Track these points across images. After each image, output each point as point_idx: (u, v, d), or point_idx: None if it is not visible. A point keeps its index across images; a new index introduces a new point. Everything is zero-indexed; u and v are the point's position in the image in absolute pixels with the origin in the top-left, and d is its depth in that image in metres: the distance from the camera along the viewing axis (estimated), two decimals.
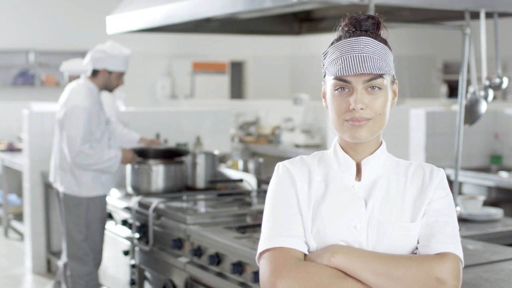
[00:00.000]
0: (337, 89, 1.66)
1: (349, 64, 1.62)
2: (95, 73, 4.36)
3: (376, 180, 1.71)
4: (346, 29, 1.70)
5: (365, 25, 1.69)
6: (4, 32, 10.84)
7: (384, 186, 1.70)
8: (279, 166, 1.76)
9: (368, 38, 1.65)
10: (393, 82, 1.72)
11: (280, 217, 1.68)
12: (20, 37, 10.92)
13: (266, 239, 1.67)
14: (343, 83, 1.65)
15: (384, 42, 1.69)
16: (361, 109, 1.63)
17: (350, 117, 1.64)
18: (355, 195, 1.69)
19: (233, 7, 3.24)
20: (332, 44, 1.70)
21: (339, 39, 1.69)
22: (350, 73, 1.62)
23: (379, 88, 1.65)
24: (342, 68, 1.63)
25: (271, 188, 1.75)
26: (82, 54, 11.41)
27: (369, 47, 1.64)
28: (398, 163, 1.76)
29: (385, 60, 1.65)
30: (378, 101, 1.65)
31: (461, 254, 1.65)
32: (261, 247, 1.67)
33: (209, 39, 11.52)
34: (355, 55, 1.63)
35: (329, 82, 1.68)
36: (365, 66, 1.61)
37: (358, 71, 1.61)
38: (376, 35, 1.69)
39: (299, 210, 1.69)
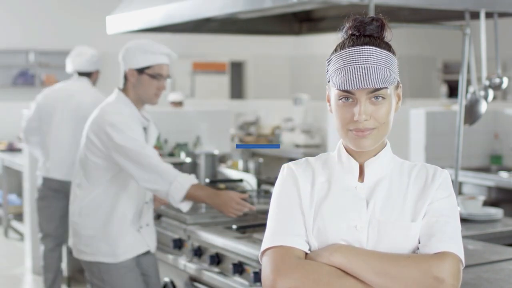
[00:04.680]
0: (341, 99, 1.67)
1: (353, 77, 1.62)
2: (88, 74, 4.94)
3: (378, 181, 1.72)
4: (350, 32, 1.69)
5: (369, 29, 1.68)
6: (4, 32, 10.84)
7: (386, 187, 1.72)
8: (284, 168, 1.79)
9: (371, 47, 1.65)
10: (397, 87, 1.72)
11: (283, 217, 1.71)
12: (20, 37, 10.92)
13: (269, 237, 1.71)
14: (346, 93, 1.65)
15: (388, 47, 1.69)
16: (365, 120, 1.64)
17: (354, 127, 1.66)
18: (357, 196, 1.71)
19: (233, 7, 3.25)
20: (335, 50, 1.70)
21: (342, 45, 1.69)
22: (353, 88, 1.62)
23: (383, 98, 1.66)
24: (346, 81, 1.63)
25: (275, 188, 1.78)
26: None
27: (372, 57, 1.64)
28: (403, 164, 1.77)
29: (389, 69, 1.65)
30: (382, 111, 1.66)
31: (461, 254, 1.65)
32: (263, 245, 1.71)
33: (209, 39, 11.52)
34: (359, 67, 1.62)
35: (333, 91, 1.69)
36: (369, 80, 1.61)
37: (362, 86, 1.61)
38: (380, 41, 1.68)
39: (301, 210, 1.71)
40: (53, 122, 4.80)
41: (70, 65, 4.99)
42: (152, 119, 3.32)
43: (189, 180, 3.08)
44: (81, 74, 4.96)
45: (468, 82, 3.47)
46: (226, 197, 3.10)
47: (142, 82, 3.20)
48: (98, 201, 3.17)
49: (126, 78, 3.24)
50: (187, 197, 3.07)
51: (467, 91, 3.49)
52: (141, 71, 3.20)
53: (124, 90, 3.24)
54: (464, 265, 1.67)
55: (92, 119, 3.20)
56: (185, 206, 3.11)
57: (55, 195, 4.83)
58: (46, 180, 4.85)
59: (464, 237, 1.73)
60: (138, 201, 3.26)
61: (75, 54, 4.99)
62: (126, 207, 3.20)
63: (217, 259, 3.05)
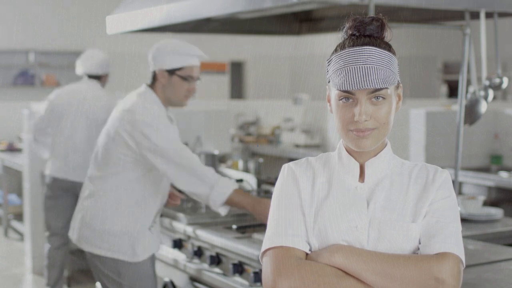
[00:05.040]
0: (341, 99, 1.67)
1: (353, 77, 1.62)
2: (98, 77, 5.05)
3: (379, 181, 1.72)
4: (350, 32, 1.69)
5: (369, 29, 1.68)
6: (4, 32, 10.84)
7: (387, 187, 1.72)
8: (285, 168, 1.79)
9: (372, 47, 1.65)
10: (397, 87, 1.72)
11: (283, 217, 1.72)
12: (20, 37, 10.93)
13: (269, 238, 1.71)
14: (347, 94, 1.65)
15: (388, 47, 1.69)
16: (365, 120, 1.64)
17: (354, 128, 1.65)
18: (357, 196, 1.71)
19: (233, 7, 3.24)
20: (336, 51, 1.70)
21: (343, 46, 1.69)
22: (353, 88, 1.62)
23: (383, 98, 1.66)
24: (346, 81, 1.62)
25: (276, 188, 1.78)
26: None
27: (373, 57, 1.63)
28: (403, 164, 1.77)
29: (389, 69, 1.64)
30: (382, 111, 1.66)
31: (462, 255, 1.65)
32: (264, 245, 1.71)
33: (209, 39, 11.53)
34: (359, 67, 1.62)
35: (334, 91, 1.69)
36: (369, 80, 1.61)
37: (362, 86, 1.61)
38: (380, 41, 1.68)
39: (301, 210, 1.72)
40: (65, 123, 4.89)
41: (80, 67, 5.09)
42: (175, 119, 3.27)
43: (231, 184, 3.04)
44: (91, 76, 5.05)
45: (468, 82, 3.47)
46: (269, 205, 3.05)
47: (173, 84, 3.14)
48: (121, 198, 3.11)
49: (155, 78, 3.17)
50: (227, 202, 3.02)
51: (467, 91, 3.49)
52: (171, 72, 3.14)
53: (152, 88, 3.18)
54: (464, 266, 1.67)
55: (121, 116, 3.10)
56: (224, 210, 3.07)
57: (64, 195, 4.88)
58: (56, 180, 4.92)
59: (464, 237, 1.73)
60: (162, 202, 3.22)
61: (86, 56, 5.09)
62: (152, 208, 3.15)
63: (217, 259, 3.05)
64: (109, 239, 3.11)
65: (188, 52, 3.14)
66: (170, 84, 3.14)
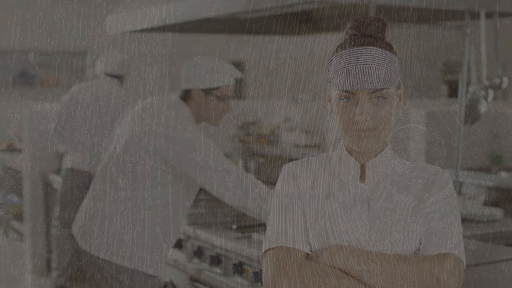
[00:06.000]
0: (342, 99, 1.67)
1: (354, 77, 1.62)
2: (118, 77, 5.21)
3: (380, 181, 1.72)
4: (351, 32, 1.69)
5: (370, 29, 1.68)
6: (4, 32, 10.84)
7: (388, 188, 1.72)
8: (285, 168, 1.79)
9: (372, 47, 1.65)
10: (398, 87, 1.72)
11: (283, 217, 1.72)
12: (20, 37, 10.92)
13: (269, 238, 1.71)
14: (348, 94, 1.65)
15: (389, 47, 1.69)
16: (366, 120, 1.64)
17: (355, 128, 1.66)
18: (358, 196, 1.71)
19: (233, 7, 3.24)
20: (336, 51, 1.70)
21: (343, 46, 1.69)
22: (354, 88, 1.62)
23: (384, 98, 1.66)
24: (347, 81, 1.63)
25: (276, 188, 1.78)
26: (82, 54, 11.43)
27: (374, 57, 1.63)
28: (404, 164, 1.77)
29: (390, 69, 1.64)
30: (383, 111, 1.66)
31: (462, 256, 1.66)
32: (264, 245, 1.71)
33: (209, 39, 11.53)
34: (360, 67, 1.62)
35: (334, 91, 1.69)
36: (370, 81, 1.61)
37: (363, 86, 1.61)
38: (381, 41, 1.68)
39: (302, 210, 1.71)
40: (90, 117, 5.04)
41: (100, 67, 5.21)
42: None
43: None
44: (110, 76, 5.19)
45: (468, 82, 3.47)
46: None
47: (208, 103, 3.03)
48: (155, 211, 2.95)
49: (188, 95, 3.04)
50: None
51: (467, 91, 3.49)
52: (207, 91, 3.02)
53: (185, 103, 3.05)
54: (465, 266, 1.67)
55: (156, 131, 2.93)
56: None
57: (84, 188, 4.91)
58: (78, 173, 5.02)
59: (464, 237, 1.73)
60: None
61: (106, 56, 5.23)
62: (182, 222, 3.08)
63: (217, 259, 3.05)
64: (133, 249, 2.94)
65: (224, 71, 3.03)
66: (206, 103, 3.03)
